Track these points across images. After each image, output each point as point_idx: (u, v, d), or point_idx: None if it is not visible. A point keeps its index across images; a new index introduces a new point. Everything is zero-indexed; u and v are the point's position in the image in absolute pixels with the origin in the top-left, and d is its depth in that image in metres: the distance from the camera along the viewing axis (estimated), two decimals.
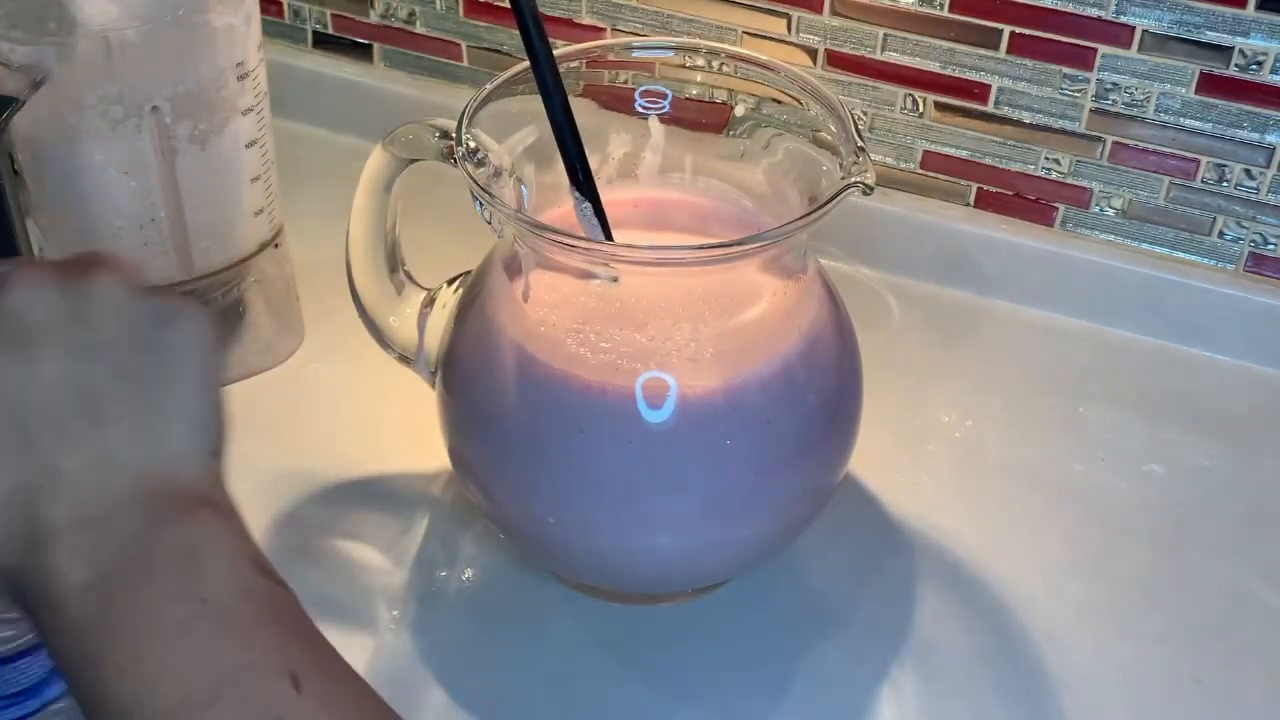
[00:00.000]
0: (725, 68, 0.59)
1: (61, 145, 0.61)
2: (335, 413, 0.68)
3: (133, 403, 0.38)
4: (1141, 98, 0.70)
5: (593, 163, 0.54)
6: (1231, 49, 0.67)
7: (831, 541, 0.62)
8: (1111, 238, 0.75)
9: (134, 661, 0.34)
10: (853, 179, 0.51)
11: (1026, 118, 0.73)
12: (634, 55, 0.59)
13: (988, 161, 0.75)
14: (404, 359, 0.60)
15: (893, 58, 0.74)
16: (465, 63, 0.84)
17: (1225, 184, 0.71)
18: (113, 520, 0.36)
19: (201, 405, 0.39)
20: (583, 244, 0.51)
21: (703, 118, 0.59)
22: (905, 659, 0.58)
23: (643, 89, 0.59)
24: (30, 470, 0.36)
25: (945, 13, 0.71)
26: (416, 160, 0.56)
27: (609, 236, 0.54)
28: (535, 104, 0.53)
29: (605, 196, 0.54)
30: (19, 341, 0.38)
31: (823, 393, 0.55)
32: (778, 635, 0.59)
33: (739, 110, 0.59)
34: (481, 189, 0.51)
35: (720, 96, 0.59)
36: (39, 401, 0.37)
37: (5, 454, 0.37)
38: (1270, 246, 0.72)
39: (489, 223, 0.54)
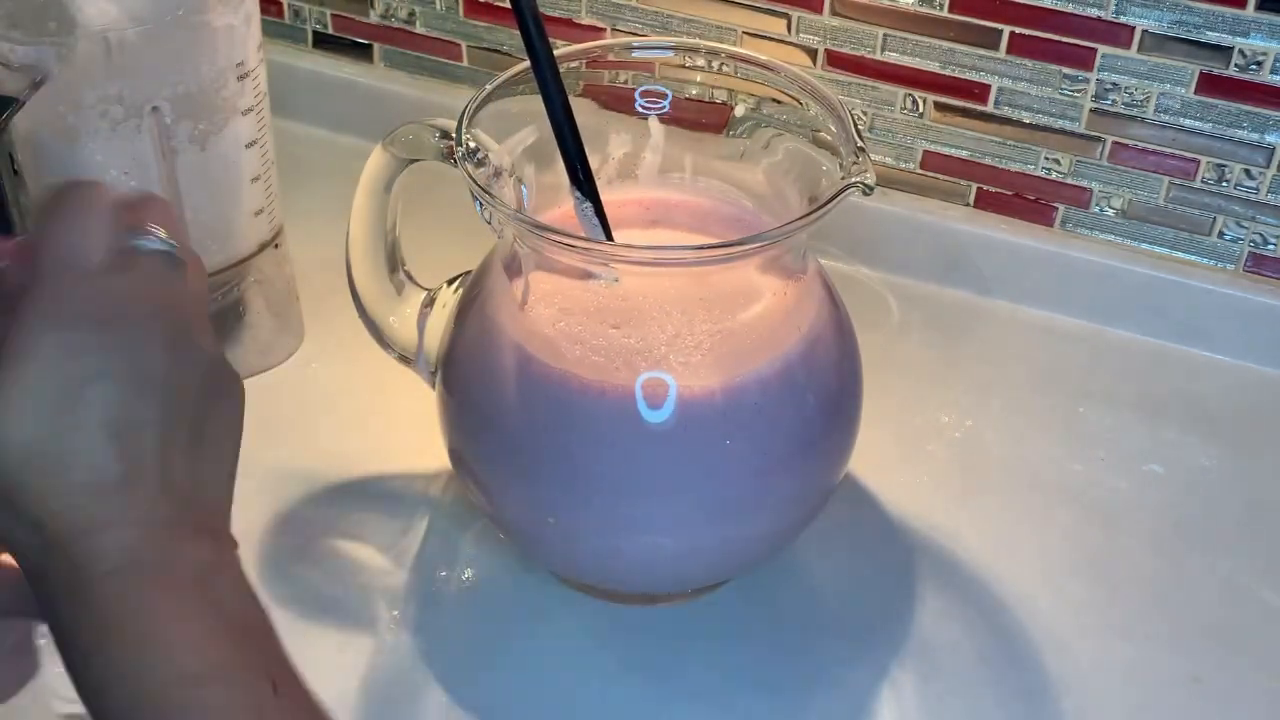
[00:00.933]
0: (725, 68, 0.59)
1: (61, 145, 0.61)
2: (335, 413, 0.68)
3: (187, 443, 0.41)
4: (1141, 98, 0.70)
5: (593, 163, 0.54)
6: (1231, 49, 0.67)
7: (831, 541, 0.62)
8: (1111, 238, 0.75)
9: (139, 643, 0.38)
10: (853, 179, 0.51)
11: (1026, 118, 0.73)
12: (634, 55, 0.59)
13: (988, 161, 0.75)
14: (404, 359, 0.60)
15: (892, 58, 0.74)
16: (465, 63, 0.84)
17: (1225, 184, 0.71)
18: (146, 525, 0.39)
19: (233, 466, 0.44)
20: (583, 244, 0.51)
21: (703, 118, 0.59)
22: (905, 659, 0.58)
23: (643, 89, 0.59)
24: (88, 454, 0.39)
25: (945, 13, 0.71)
26: (416, 160, 0.56)
27: (610, 237, 0.54)
28: (535, 104, 0.53)
29: (605, 196, 0.54)
30: (108, 324, 0.40)
31: (823, 393, 0.55)
32: (778, 635, 0.59)
33: (739, 110, 0.59)
34: (481, 189, 0.51)
35: (720, 96, 0.59)
36: (115, 396, 0.40)
37: (74, 431, 0.39)
38: (1270, 246, 0.72)
39: (489, 223, 0.54)
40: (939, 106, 0.74)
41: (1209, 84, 0.69)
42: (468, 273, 0.59)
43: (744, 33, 0.76)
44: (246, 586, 0.42)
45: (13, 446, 0.39)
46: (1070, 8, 0.69)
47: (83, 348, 0.40)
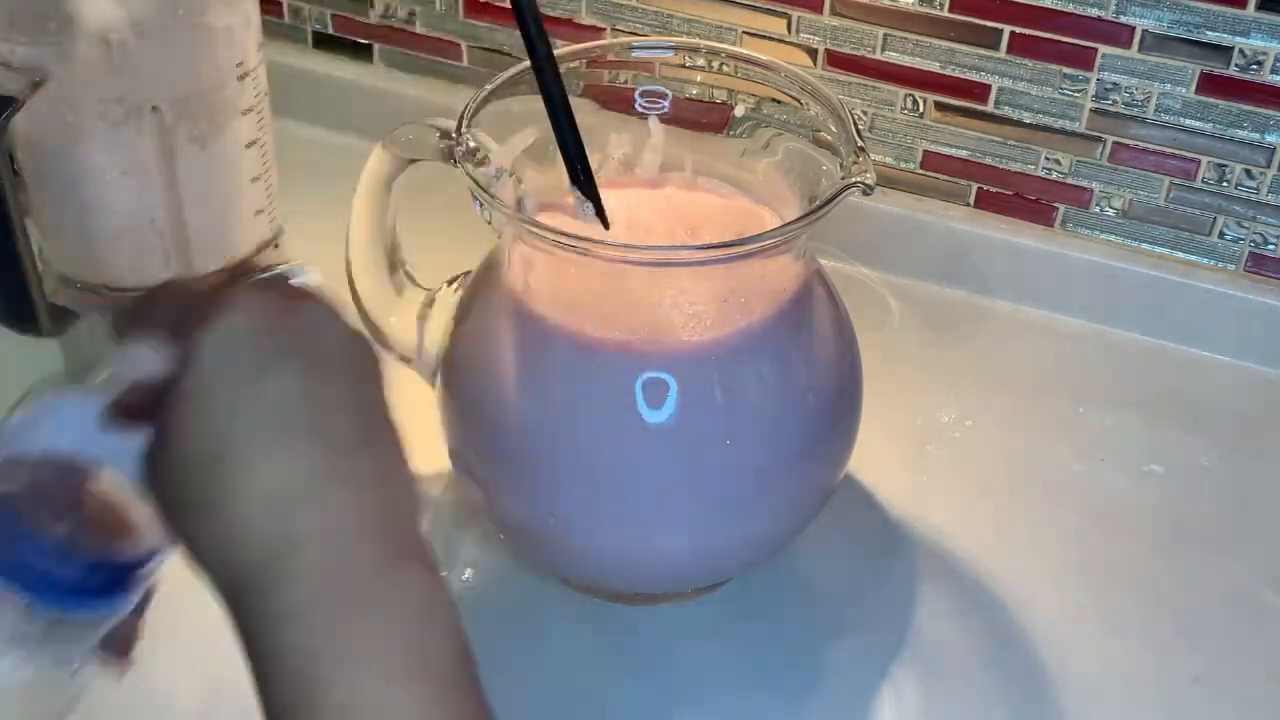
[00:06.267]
0: (725, 68, 0.59)
1: (61, 146, 0.61)
2: None
3: (377, 451, 0.41)
4: (1141, 98, 0.70)
5: (593, 162, 0.54)
6: (1231, 49, 0.67)
7: (831, 541, 0.62)
8: (1111, 238, 0.75)
9: (348, 692, 0.35)
10: (853, 179, 0.51)
11: (1026, 118, 0.73)
12: (634, 55, 0.59)
13: (988, 161, 0.75)
14: (404, 359, 0.60)
15: (893, 58, 0.74)
16: (465, 63, 0.84)
17: (1225, 184, 0.71)
18: (350, 546, 0.37)
19: (410, 463, 0.41)
20: (582, 244, 0.51)
21: (703, 118, 0.59)
22: (905, 659, 0.58)
23: (643, 89, 0.59)
24: (292, 480, 0.38)
25: (945, 13, 0.71)
26: (416, 160, 0.56)
27: None
28: (535, 104, 0.53)
29: (605, 195, 0.54)
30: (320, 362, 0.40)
31: (823, 393, 0.55)
32: (778, 635, 0.59)
33: (739, 110, 0.59)
34: (481, 189, 0.51)
35: (720, 96, 0.59)
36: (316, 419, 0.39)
37: (279, 462, 0.38)
38: (1270, 246, 0.72)
39: (489, 223, 0.54)
40: (939, 106, 0.74)
41: (1209, 84, 0.69)
42: (468, 273, 0.59)
43: (744, 33, 0.76)
44: (458, 625, 0.38)
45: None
46: (1070, 8, 0.69)
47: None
